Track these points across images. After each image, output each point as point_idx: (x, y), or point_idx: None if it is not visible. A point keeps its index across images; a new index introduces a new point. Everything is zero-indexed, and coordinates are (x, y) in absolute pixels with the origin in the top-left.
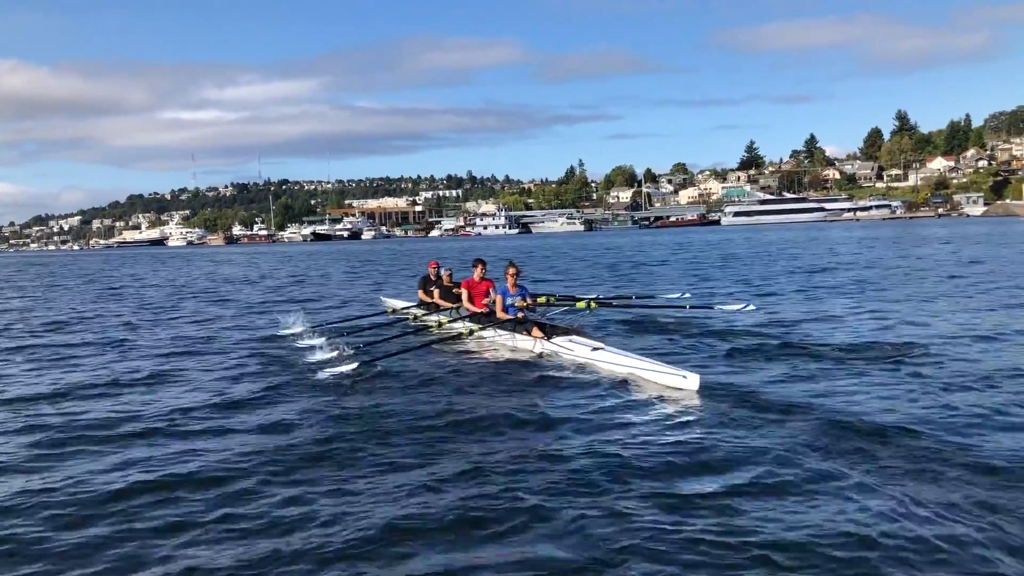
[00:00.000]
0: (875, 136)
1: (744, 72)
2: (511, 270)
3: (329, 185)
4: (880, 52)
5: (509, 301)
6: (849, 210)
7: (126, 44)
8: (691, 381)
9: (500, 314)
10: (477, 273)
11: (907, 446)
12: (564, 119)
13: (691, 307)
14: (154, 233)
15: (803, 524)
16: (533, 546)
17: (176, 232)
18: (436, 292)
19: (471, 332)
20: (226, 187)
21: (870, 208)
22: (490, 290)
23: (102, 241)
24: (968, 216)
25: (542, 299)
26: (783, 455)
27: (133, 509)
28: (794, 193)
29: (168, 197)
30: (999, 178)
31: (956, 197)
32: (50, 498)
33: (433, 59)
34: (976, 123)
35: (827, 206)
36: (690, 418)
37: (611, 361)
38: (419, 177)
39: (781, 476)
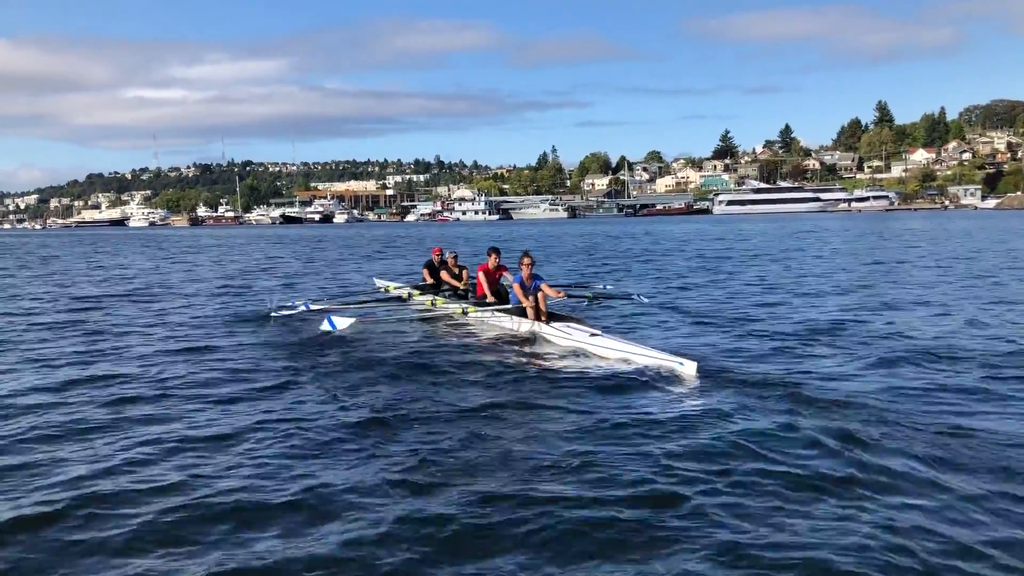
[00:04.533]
0: (854, 127)
1: (715, 62)
2: (526, 260)
3: (294, 167)
4: (849, 45)
5: (523, 297)
6: (845, 200)
7: (90, 18)
8: (688, 367)
9: (523, 301)
10: (491, 261)
11: (901, 424)
12: (535, 105)
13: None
14: (115, 213)
15: (802, 509)
16: (521, 527)
17: (138, 213)
18: (444, 273)
19: (465, 312)
20: (189, 168)
21: (868, 199)
22: (504, 275)
23: (60, 221)
24: (977, 208)
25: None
26: (780, 439)
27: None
28: (772, 183)
29: (128, 177)
30: (991, 171)
31: (952, 189)
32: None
33: (405, 41)
34: (950, 116)
35: (823, 196)
36: (687, 403)
37: (609, 347)
38: (386, 161)
39: (781, 460)
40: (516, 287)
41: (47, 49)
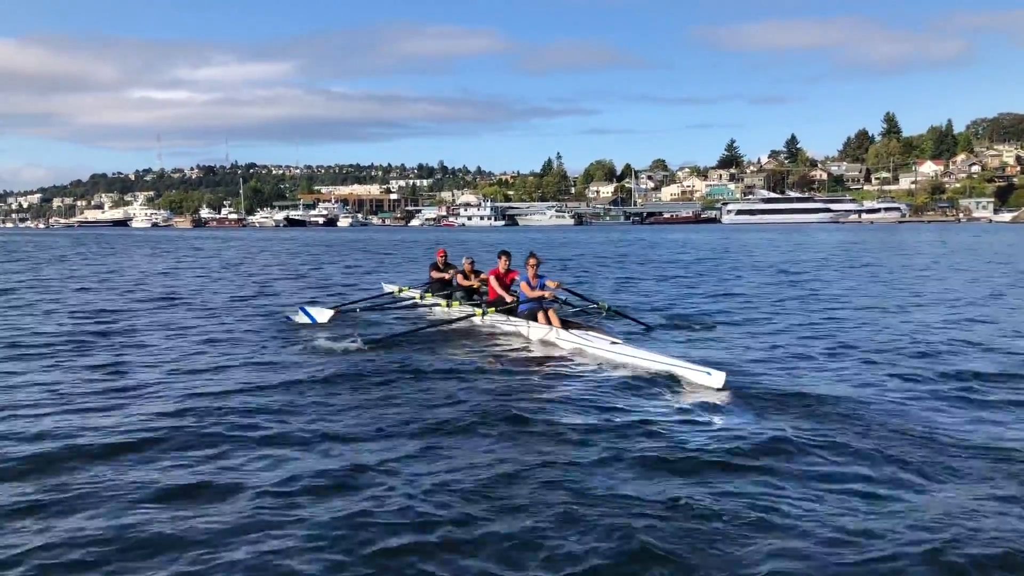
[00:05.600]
0: (862, 138)
1: (721, 71)
2: (531, 260)
3: (298, 170)
4: (857, 55)
5: (530, 290)
6: (856, 212)
7: (97, 18)
8: (715, 378)
9: (531, 293)
10: (502, 264)
11: (928, 440)
12: (541, 112)
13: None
14: (118, 214)
15: (827, 522)
16: (547, 537)
17: (141, 213)
18: (459, 276)
19: (484, 313)
20: (192, 169)
21: (879, 210)
22: (515, 279)
23: (63, 220)
24: (991, 221)
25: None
26: (810, 452)
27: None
28: (779, 193)
29: (132, 177)
30: (1001, 184)
31: (963, 202)
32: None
33: (412, 46)
34: (957, 129)
35: (834, 207)
36: (716, 415)
37: (632, 355)
38: (390, 165)
39: (809, 473)
40: (523, 285)
41: (53, 49)
